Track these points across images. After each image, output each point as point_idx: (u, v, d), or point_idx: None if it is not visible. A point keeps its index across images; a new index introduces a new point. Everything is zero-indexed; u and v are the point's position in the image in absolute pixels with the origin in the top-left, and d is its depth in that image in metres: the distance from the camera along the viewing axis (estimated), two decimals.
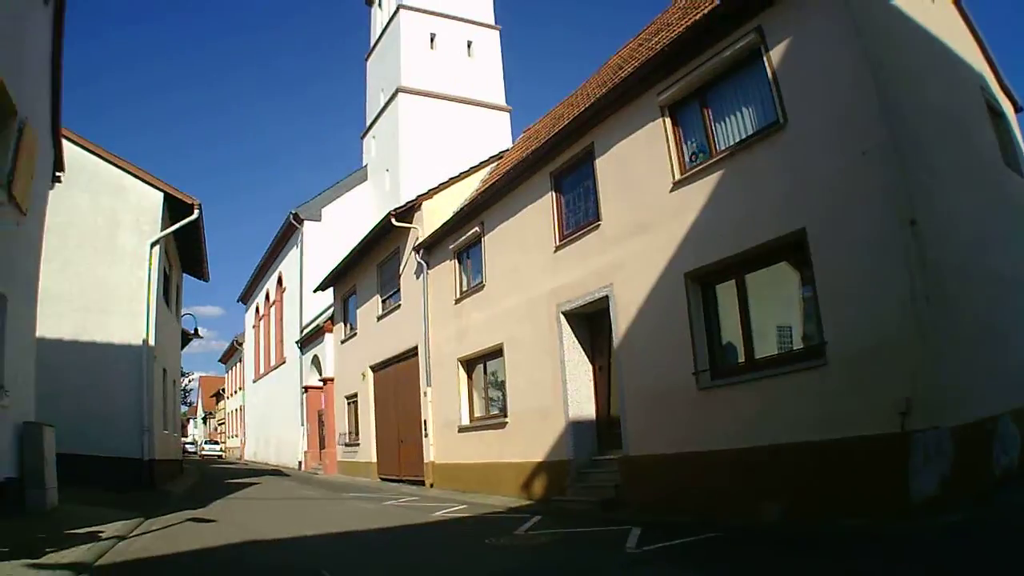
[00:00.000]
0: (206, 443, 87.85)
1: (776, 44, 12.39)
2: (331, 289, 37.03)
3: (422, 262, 25.63)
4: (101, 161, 22.20)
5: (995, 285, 12.67)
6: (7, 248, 12.56)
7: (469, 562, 10.38)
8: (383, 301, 30.11)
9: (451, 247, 23.82)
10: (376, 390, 30.71)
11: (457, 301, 23.44)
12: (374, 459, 30.46)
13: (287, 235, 49.60)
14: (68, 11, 15.15)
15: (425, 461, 24.74)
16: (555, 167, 18.61)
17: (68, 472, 15.43)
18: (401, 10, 47.20)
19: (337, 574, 9.40)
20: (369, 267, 31.46)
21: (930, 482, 9.62)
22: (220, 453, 78.22)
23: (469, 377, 23.18)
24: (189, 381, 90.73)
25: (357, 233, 37.68)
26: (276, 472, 39.30)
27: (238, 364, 70.76)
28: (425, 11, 47.80)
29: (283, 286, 51.25)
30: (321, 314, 41.18)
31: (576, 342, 18.00)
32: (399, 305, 27.97)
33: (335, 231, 45.31)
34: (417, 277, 26.14)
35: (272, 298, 54.37)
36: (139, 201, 22.43)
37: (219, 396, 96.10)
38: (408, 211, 26.86)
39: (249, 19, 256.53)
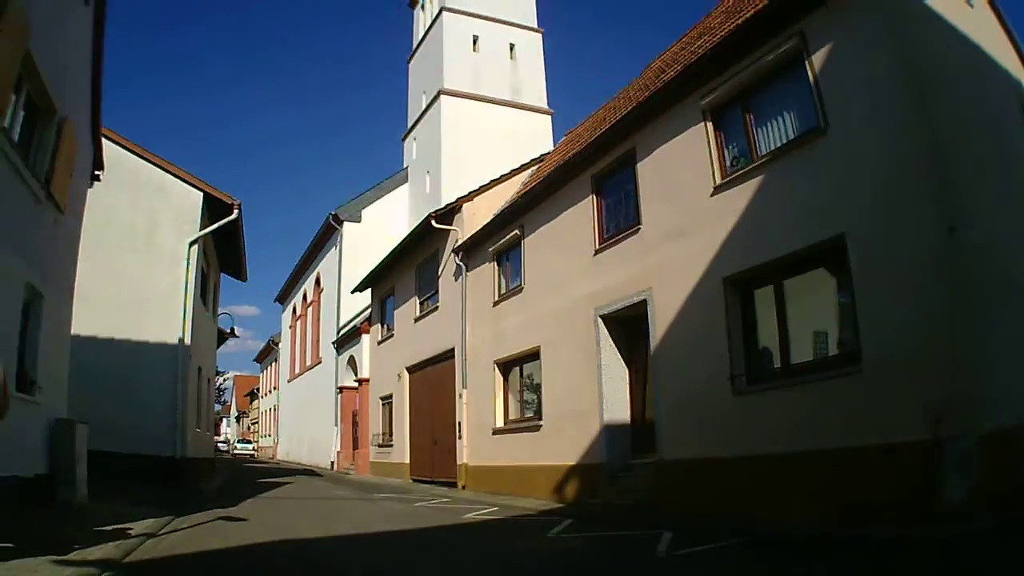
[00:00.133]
0: (239, 442, 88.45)
1: (817, 49, 12.30)
2: (369, 290, 37.08)
3: (461, 264, 25.61)
4: (141, 160, 22.34)
5: None
6: (45, 246, 12.63)
7: (499, 564, 10.27)
8: (421, 303, 30.12)
9: (491, 249, 23.77)
10: (411, 391, 30.67)
11: (495, 303, 23.39)
12: (407, 460, 30.42)
13: (326, 236, 49.73)
14: (109, 11, 15.22)
15: (458, 463, 24.69)
16: (596, 170, 18.53)
17: (100, 469, 15.52)
18: (444, 12, 47.09)
19: (367, 575, 9.32)
20: (408, 268, 31.46)
21: (961, 489, 9.53)
22: (252, 452, 78.85)
23: (505, 380, 23.10)
24: (224, 380, 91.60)
25: (396, 235, 37.83)
26: (308, 472, 39.39)
27: (273, 364, 71.18)
28: (468, 13, 47.63)
29: (321, 287, 51.39)
30: (358, 315, 41.23)
31: (613, 345, 17.88)
32: (437, 307, 27.97)
33: (374, 232, 45.27)
34: (456, 279, 26.10)
35: (310, 298, 54.59)
36: (179, 201, 22.55)
37: (253, 395, 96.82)
38: (448, 213, 26.88)
39: (288, 23, 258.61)
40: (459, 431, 24.85)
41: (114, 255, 20.98)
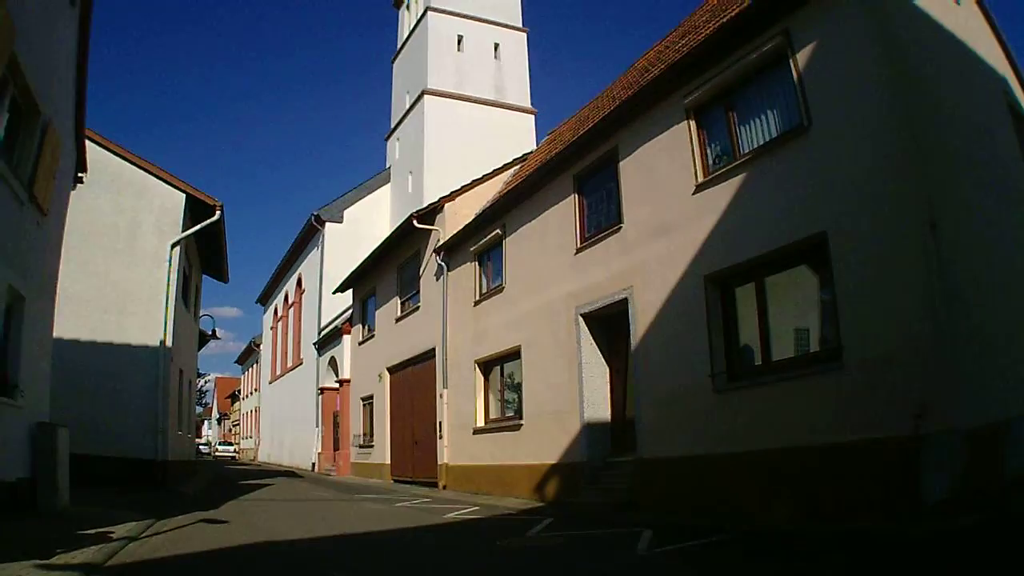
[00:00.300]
0: (220, 444, 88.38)
1: (802, 47, 12.35)
2: (350, 291, 37.09)
3: (442, 264, 25.64)
4: (124, 162, 22.27)
5: (1013, 288, 12.60)
6: (26, 248, 12.57)
7: (479, 564, 10.28)
8: (402, 303, 30.12)
9: (472, 249, 23.81)
10: (392, 392, 30.69)
11: (476, 303, 23.42)
12: (388, 460, 30.45)
13: (308, 237, 49.75)
14: (95, 12, 15.18)
15: (439, 463, 24.72)
16: (578, 169, 18.58)
17: (81, 472, 15.47)
18: (429, 12, 47.12)
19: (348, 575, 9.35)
20: (389, 269, 31.47)
21: (942, 485, 9.61)
22: (234, 454, 78.72)
23: (486, 379, 23.14)
24: (205, 382, 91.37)
25: (378, 235, 37.84)
26: (290, 473, 39.40)
27: (255, 365, 71.03)
28: (453, 13, 47.67)
29: (302, 287, 51.32)
30: (339, 316, 41.23)
31: (594, 344, 17.95)
32: (418, 307, 27.97)
33: (356, 233, 45.44)
34: (437, 279, 26.12)
35: (291, 300, 54.50)
36: (161, 202, 22.51)
37: (235, 397, 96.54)
38: (430, 213, 26.91)
39: (272, 23, 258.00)
40: (440, 431, 24.86)
41: (96, 257, 20.94)
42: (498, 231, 22.29)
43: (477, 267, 23.90)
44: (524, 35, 50.66)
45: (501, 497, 19.78)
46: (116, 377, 20.50)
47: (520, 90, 49.30)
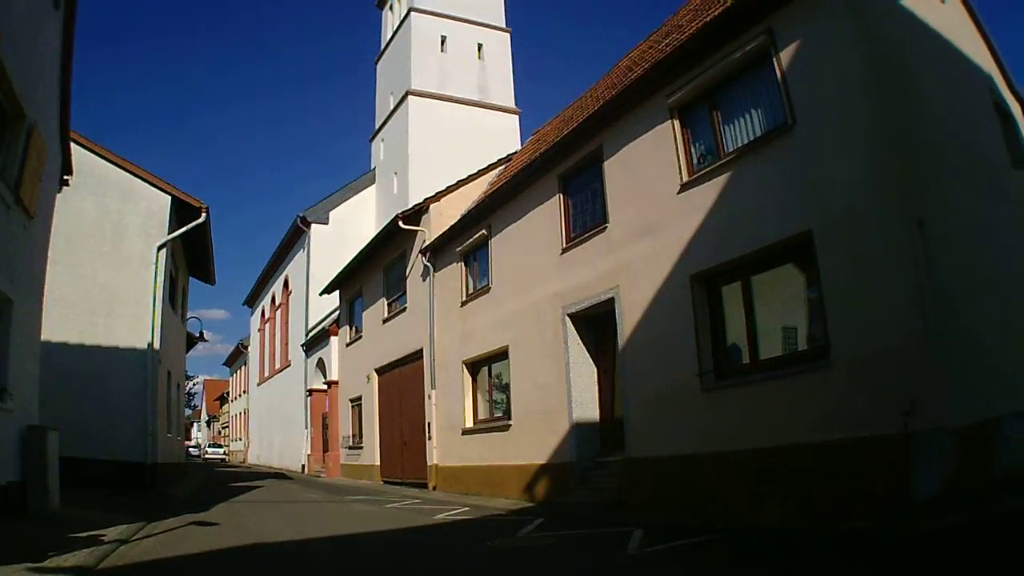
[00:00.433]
0: (209, 446, 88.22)
1: (786, 46, 12.38)
2: (337, 292, 37.05)
3: (428, 265, 25.65)
4: (109, 164, 22.19)
5: (1001, 286, 12.67)
6: (14, 251, 12.55)
7: (470, 564, 10.31)
8: (389, 304, 30.11)
9: (458, 250, 23.84)
10: (380, 393, 30.66)
11: (463, 304, 23.44)
12: (377, 462, 30.40)
13: (294, 238, 49.66)
14: (79, 14, 15.17)
15: (428, 464, 24.71)
16: (563, 169, 18.62)
17: (71, 475, 15.43)
18: (412, 13, 47.11)
19: None
20: (376, 270, 31.45)
21: (932, 483, 9.62)
22: (223, 456, 78.65)
23: (474, 380, 23.17)
24: (193, 384, 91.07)
25: (364, 236, 37.83)
26: (279, 475, 39.33)
27: (243, 367, 70.88)
28: (436, 14, 47.68)
29: (289, 289, 51.23)
30: (327, 317, 41.20)
31: (581, 344, 17.99)
32: (405, 308, 27.96)
33: (342, 234, 45.41)
34: (423, 280, 26.13)
35: (278, 301, 54.39)
36: (146, 204, 22.45)
37: (223, 399, 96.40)
38: (416, 214, 26.91)
39: (255, 23, 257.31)
40: (429, 432, 24.86)
41: (82, 259, 20.89)
42: (484, 231, 22.33)
43: (463, 268, 23.92)
44: (507, 35, 50.72)
45: (491, 498, 19.81)
46: (105, 380, 20.48)
47: (504, 90, 49.36)
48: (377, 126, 51.47)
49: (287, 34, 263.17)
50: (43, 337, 14.98)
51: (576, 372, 17.77)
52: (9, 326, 12.50)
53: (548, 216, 19.09)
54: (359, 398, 33.30)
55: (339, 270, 35.12)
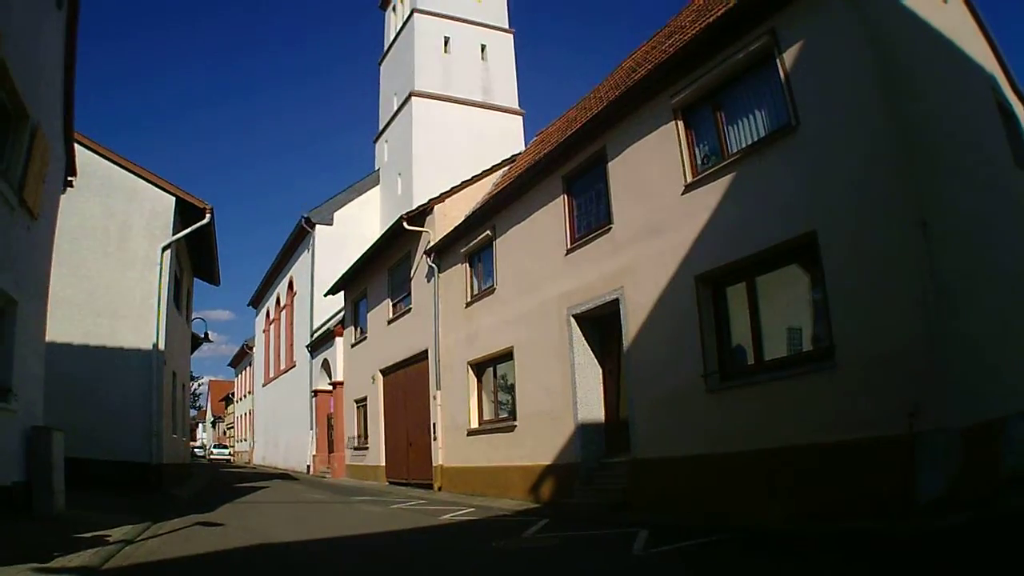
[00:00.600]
0: (214, 447, 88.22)
1: (789, 46, 12.34)
2: (342, 293, 37.03)
3: (433, 266, 25.64)
4: (113, 165, 22.24)
5: (1005, 286, 12.66)
6: (18, 252, 12.56)
7: (475, 565, 10.29)
8: (394, 305, 30.10)
9: (462, 251, 23.82)
10: (385, 393, 30.66)
11: (468, 304, 23.43)
12: (383, 463, 30.40)
13: (298, 239, 49.68)
14: (81, 13, 15.16)
15: (433, 464, 24.71)
16: (567, 170, 18.58)
17: (76, 476, 15.47)
18: (416, 14, 47.07)
19: None
20: (380, 271, 31.44)
21: (937, 484, 9.59)
22: (228, 457, 78.68)
23: (479, 380, 23.16)
24: (198, 385, 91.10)
25: (369, 237, 37.81)
26: (284, 476, 39.37)
27: (248, 368, 70.92)
28: (439, 15, 47.64)
29: (294, 290, 51.27)
30: (332, 318, 41.17)
31: (586, 345, 17.97)
32: (410, 309, 27.95)
33: (347, 235, 45.36)
34: (428, 281, 26.12)
35: (283, 302, 54.42)
36: (151, 205, 22.49)
37: (228, 400, 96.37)
38: (420, 215, 26.90)
39: (260, 23, 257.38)
40: (434, 433, 24.87)
41: (87, 260, 20.93)
42: (488, 232, 22.31)
43: (468, 268, 23.92)
44: (511, 36, 50.69)
45: (496, 498, 19.81)
46: (109, 381, 20.50)
47: (507, 91, 49.34)
48: (381, 127, 51.44)
49: (292, 34, 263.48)
50: (48, 338, 15.00)
51: (581, 373, 17.74)
52: (13, 327, 12.52)
53: (552, 217, 19.06)
54: (364, 399, 33.29)
55: (344, 271, 35.12)
